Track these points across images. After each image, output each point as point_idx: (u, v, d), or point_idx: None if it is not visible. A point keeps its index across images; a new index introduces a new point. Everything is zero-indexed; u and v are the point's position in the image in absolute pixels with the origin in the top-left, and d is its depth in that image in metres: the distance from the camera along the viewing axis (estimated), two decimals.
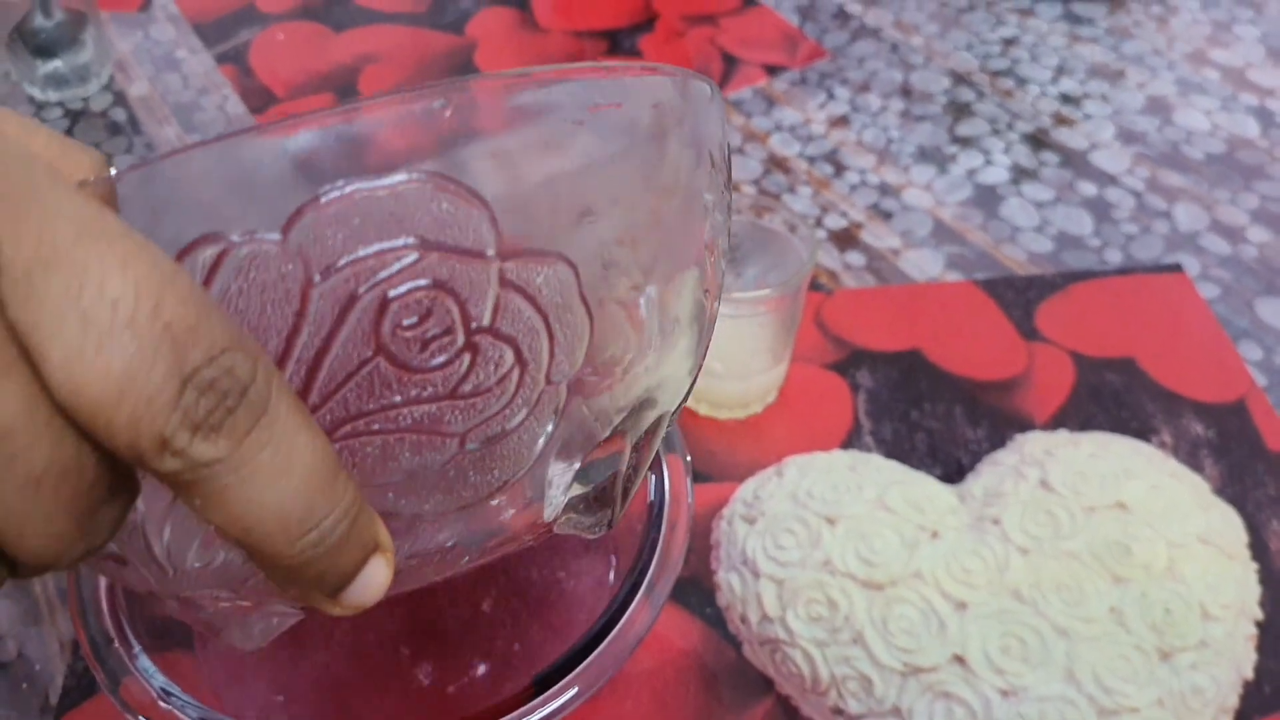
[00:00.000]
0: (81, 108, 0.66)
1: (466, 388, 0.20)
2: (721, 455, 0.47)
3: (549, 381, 0.21)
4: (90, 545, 0.16)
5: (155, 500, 0.20)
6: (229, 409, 0.15)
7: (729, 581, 0.42)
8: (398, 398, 0.19)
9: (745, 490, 0.45)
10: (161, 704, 0.30)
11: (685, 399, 0.27)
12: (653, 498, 0.36)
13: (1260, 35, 0.70)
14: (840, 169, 0.61)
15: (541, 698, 0.30)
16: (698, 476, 0.46)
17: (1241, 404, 0.48)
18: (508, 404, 0.21)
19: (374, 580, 0.18)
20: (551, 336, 0.21)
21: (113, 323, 0.14)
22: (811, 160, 0.62)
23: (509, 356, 0.20)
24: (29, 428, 0.14)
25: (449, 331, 0.19)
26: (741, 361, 0.46)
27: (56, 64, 0.65)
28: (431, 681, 0.36)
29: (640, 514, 0.36)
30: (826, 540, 0.41)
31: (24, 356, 0.14)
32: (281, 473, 0.16)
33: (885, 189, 0.60)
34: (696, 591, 0.42)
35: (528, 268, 0.20)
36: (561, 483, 0.23)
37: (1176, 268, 0.55)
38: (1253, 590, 0.42)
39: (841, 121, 0.64)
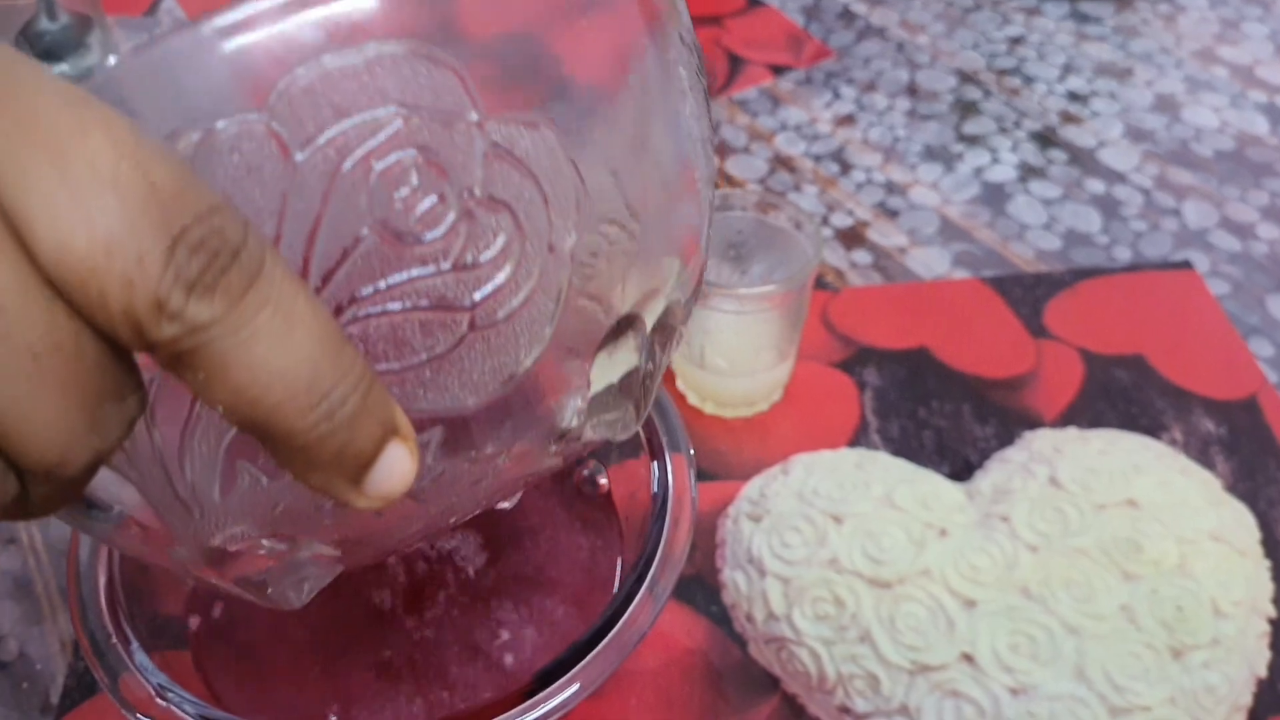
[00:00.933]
0: None
1: (467, 259, 0.20)
2: (727, 454, 0.47)
3: (551, 249, 0.21)
4: (100, 446, 0.15)
5: (171, 434, 0.20)
6: (223, 268, 0.15)
7: (734, 580, 0.41)
8: (399, 275, 0.19)
9: (751, 488, 0.44)
10: (159, 701, 0.30)
11: (695, 292, 0.26)
12: (656, 490, 0.35)
13: (1269, 33, 0.70)
14: (846, 168, 0.61)
15: (543, 694, 0.30)
16: (704, 475, 0.46)
17: (1253, 400, 0.48)
18: (512, 275, 0.20)
19: (397, 466, 0.17)
20: (546, 200, 0.20)
21: (96, 182, 0.14)
22: (817, 159, 0.61)
23: (507, 222, 0.20)
24: (20, 301, 0.14)
25: (442, 200, 0.19)
26: (747, 358, 0.46)
27: (63, 67, 0.65)
28: (431, 677, 0.36)
29: (643, 509, 0.36)
30: (833, 538, 0.40)
31: (12, 232, 0.14)
32: (283, 335, 0.15)
33: (892, 187, 0.60)
34: (702, 590, 0.42)
35: (512, 131, 0.20)
36: (580, 379, 0.23)
37: (1186, 265, 0.54)
38: (1265, 587, 0.41)
39: (847, 120, 0.64)
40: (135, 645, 0.31)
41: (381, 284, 0.19)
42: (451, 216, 0.19)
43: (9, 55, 0.15)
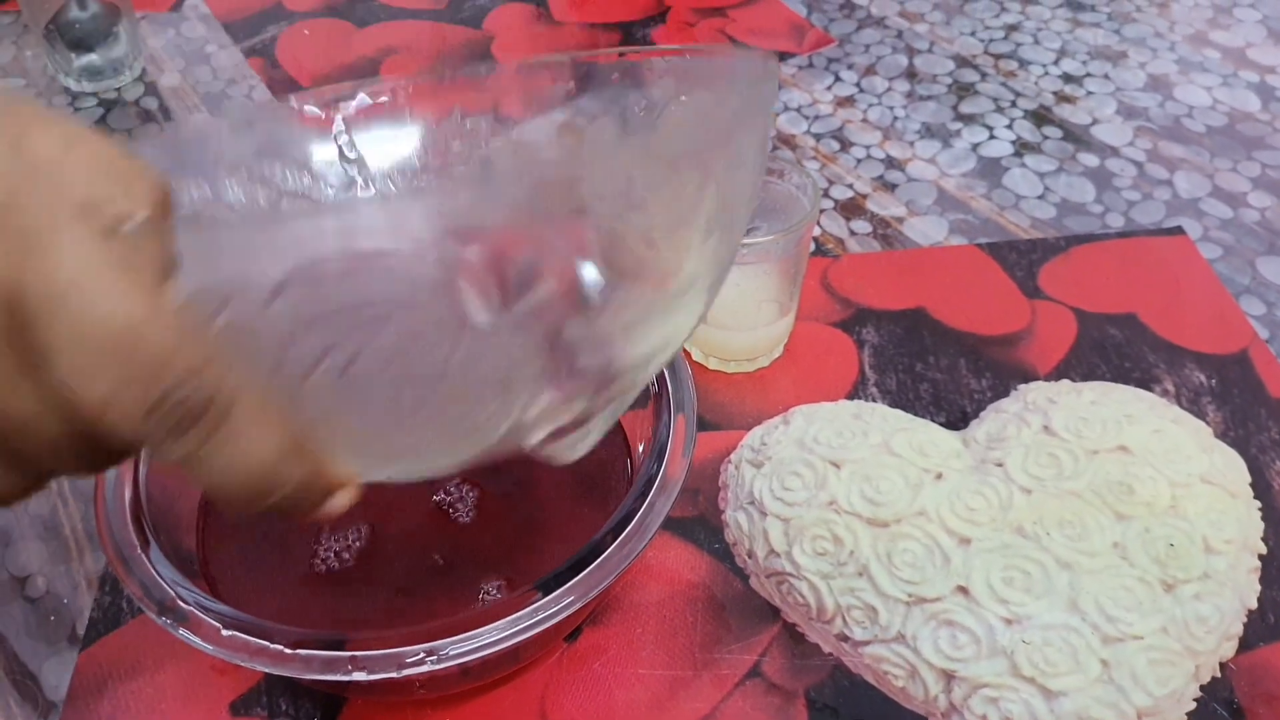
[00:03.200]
0: (115, 98, 0.68)
1: None
2: (729, 405, 0.48)
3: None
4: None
5: None
6: (194, 417, 0.19)
7: (736, 519, 0.43)
8: None
9: (752, 437, 0.46)
10: (183, 604, 0.32)
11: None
12: (658, 435, 0.37)
13: (1261, 18, 0.72)
14: (846, 145, 0.63)
15: (541, 602, 0.31)
16: (706, 425, 0.47)
17: (1244, 354, 0.49)
18: None
19: (337, 505, 0.24)
20: None
21: (101, 352, 0.18)
22: (818, 137, 0.63)
23: None
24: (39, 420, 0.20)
25: None
26: (749, 312, 0.47)
27: (92, 57, 0.68)
28: (440, 589, 0.37)
29: (648, 451, 0.37)
30: (832, 482, 0.41)
31: (40, 364, 0.19)
32: (240, 458, 0.21)
33: (891, 162, 0.61)
34: (704, 529, 0.43)
35: None
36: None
37: (1178, 230, 0.55)
38: (1256, 527, 0.42)
39: (847, 101, 0.66)
40: (156, 552, 0.33)
41: None
42: None
43: (48, 208, 0.18)
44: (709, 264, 0.25)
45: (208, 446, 0.20)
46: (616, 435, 0.42)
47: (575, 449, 0.26)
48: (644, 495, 0.35)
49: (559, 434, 0.25)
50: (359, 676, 0.30)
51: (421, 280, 0.20)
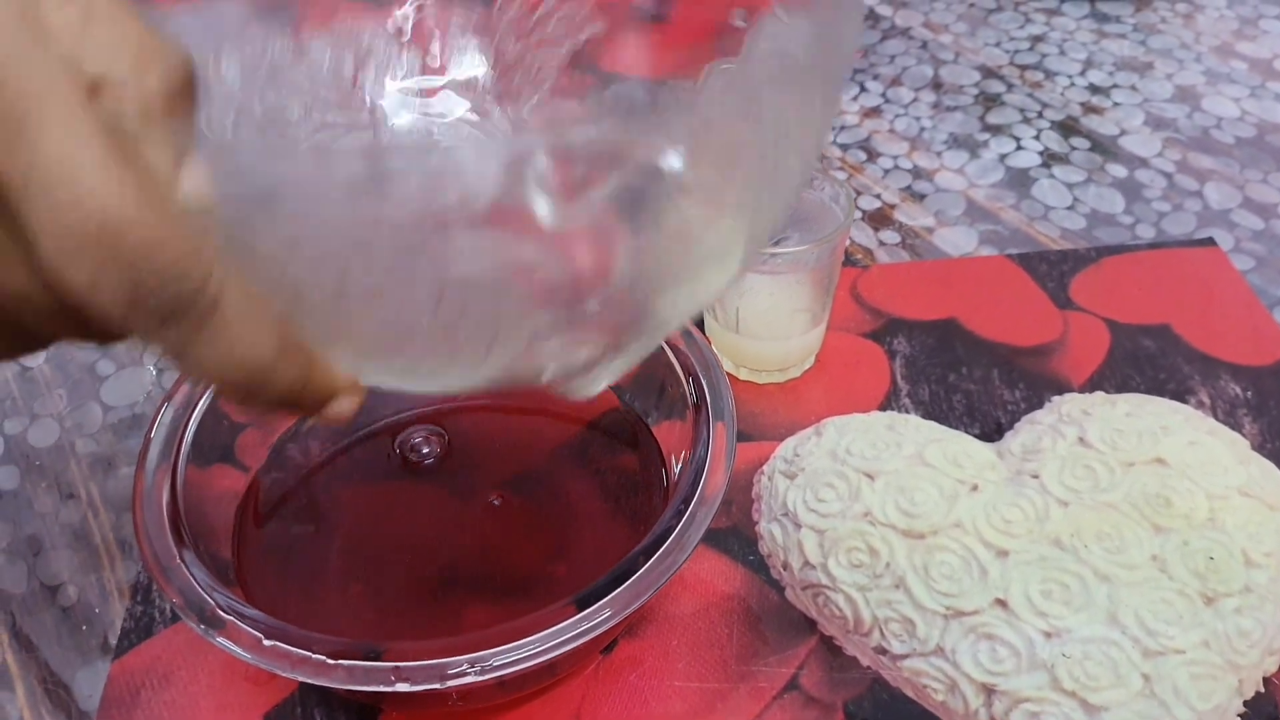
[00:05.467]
0: None
1: None
2: (761, 416, 0.48)
3: None
4: None
5: None
6: (181, 309, 0.19)
7: (770, 531, 0.42)
8: None
9: (785, 448, 0.45)
10: (223, 614, 0.31)
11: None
12: (698, 447, 0.37)
13: None
14: (873, 155, 0.63)
15: (578, 616, 0.31)
16: (738, 436, 0.47)
17: (1279, 366, 0.49)
18: None
19: (342, 409, 0.24)
20: None
21: (83, 238, 0.18)
22: (844, 148, 0.63)
23: None
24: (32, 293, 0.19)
25: None
26: (782, 321, 0.47)
27: None
28: (476, 600, 0.37)
29: (687, 463, 0.37)
30: (866, 494, 0.41)
31: (30, 242, 0.18)
32: (229, 355, 0.20)
33: (918, 172, 0.61)
34: (738, 540, 0.43)
35: None
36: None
37: (1210, 241, 0.55)
38: None
39: (873, 112, 0.66)
40: (194, 560, 0.33)
41: None
42: None
43: (46, 83, 0.17)
44: (752, 223, 0.24)
45: (197, 339, 0.20)
46: (651, 446, 0.42)
47: (585, 389, 0.26)
48: (684, 507, 0.34)
49: (570, 375, 0.25)
50: (402, 687, 0.30)
51: (448, 201, 0.19)
